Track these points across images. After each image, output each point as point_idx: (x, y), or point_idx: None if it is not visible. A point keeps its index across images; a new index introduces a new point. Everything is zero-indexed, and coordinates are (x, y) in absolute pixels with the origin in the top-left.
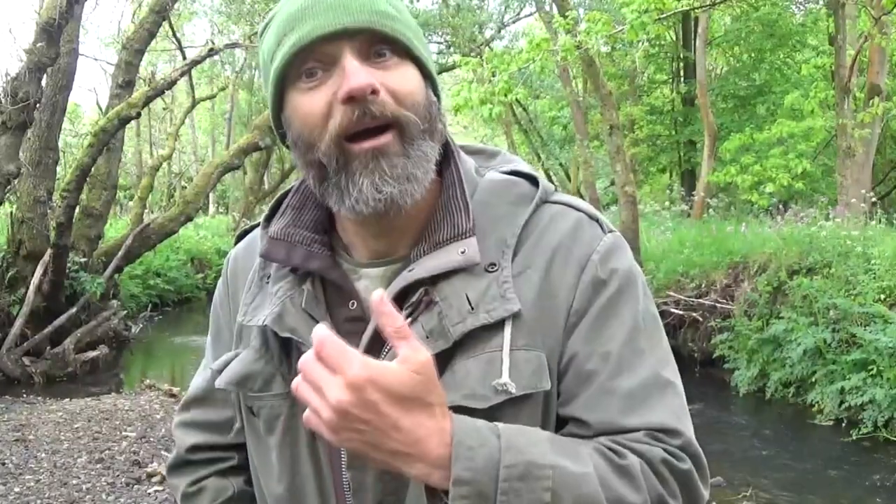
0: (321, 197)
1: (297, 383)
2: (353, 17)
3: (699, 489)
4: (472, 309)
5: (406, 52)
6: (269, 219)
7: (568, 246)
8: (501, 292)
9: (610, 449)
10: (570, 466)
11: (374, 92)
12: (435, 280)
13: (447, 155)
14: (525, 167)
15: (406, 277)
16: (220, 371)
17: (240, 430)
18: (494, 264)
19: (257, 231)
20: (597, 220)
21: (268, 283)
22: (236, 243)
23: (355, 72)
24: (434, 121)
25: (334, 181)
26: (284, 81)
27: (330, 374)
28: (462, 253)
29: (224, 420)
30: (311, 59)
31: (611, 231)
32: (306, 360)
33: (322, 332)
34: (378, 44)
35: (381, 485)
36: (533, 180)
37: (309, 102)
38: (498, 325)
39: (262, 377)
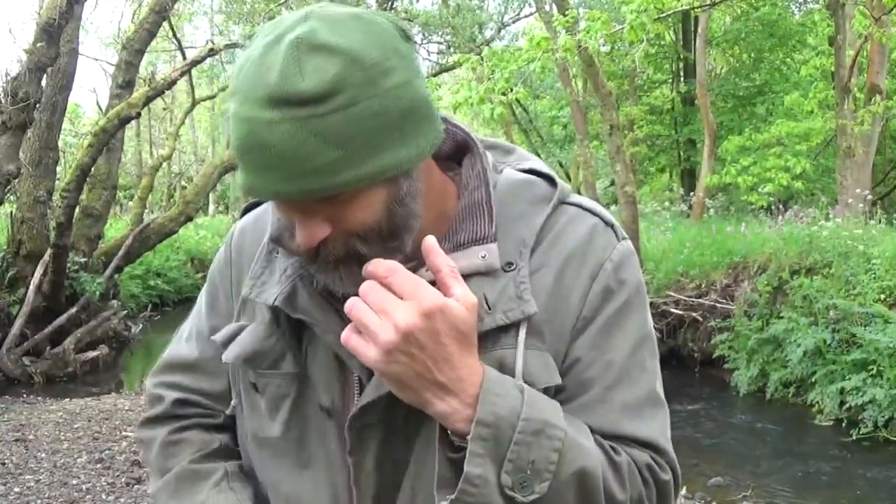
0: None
1: (353, 303)
2: (287, 186)
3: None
4: (490, 309)
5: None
6: None
7: (582, 251)
8: (518, 293)
9: (607, 444)
10: (579, 438)
11: (325, 242)
12: None
13: (470, 152)
14: (542, 166)
15: (425, 276)
16: (224, 343)
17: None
18: (512, 263)
19: (267, 206)
20: (612, 227)
21: (277, 256)
22: (243, 216)
23: (301, 232)
24: (403, 228)
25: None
26: None
27: (397, 298)
28: (483, 257)
29: (218, 392)
30: None
31: (624, 238)
32: (370, 285)
33: (389, 263)
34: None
35: (379, 473)
36: (551, 180)
37: (275, 212)
38: (512, 325)
39: (273, 355)
